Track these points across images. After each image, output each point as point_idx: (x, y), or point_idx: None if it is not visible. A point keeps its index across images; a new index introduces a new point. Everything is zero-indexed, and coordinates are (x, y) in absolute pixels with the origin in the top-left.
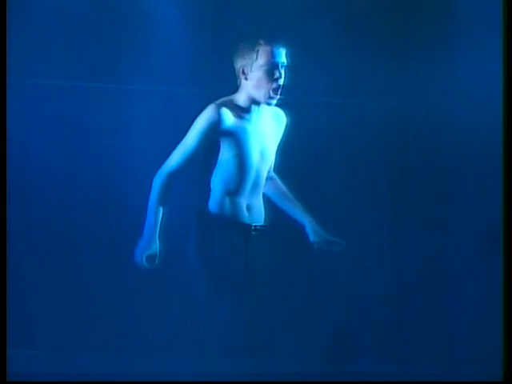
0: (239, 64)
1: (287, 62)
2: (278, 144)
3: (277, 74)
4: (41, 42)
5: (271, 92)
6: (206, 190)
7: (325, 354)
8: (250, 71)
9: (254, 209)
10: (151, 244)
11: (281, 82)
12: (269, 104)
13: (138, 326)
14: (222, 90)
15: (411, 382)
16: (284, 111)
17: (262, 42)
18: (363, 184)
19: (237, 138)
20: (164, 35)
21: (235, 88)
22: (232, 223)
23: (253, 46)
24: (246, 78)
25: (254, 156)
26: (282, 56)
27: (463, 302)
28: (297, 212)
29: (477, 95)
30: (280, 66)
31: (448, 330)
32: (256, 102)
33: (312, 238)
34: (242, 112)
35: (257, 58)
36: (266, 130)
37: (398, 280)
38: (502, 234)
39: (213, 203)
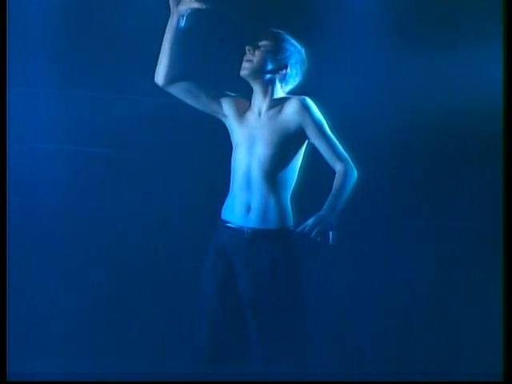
0: None
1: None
2: (280, 142)
3: (246, 53)
4: (42, 50)
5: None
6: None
7: (325, 355)
8: None
9: (254, 210)
10: None
11: (246, 57)
12: (242, 76)
13: (138, 326)
14: None
15: (411, 382)
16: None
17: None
18: (361, 183)
19: (234, 130)
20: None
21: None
22: (228, 224)
23: None
24: None
25: (245, 151)
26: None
27: (463, 302)
28: None
29: (476, 94)
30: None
31: (448, 329)
32: (257, 97)
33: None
34: (244, 105)
35: None
36: (266, 125)
37: (398, 280)
38: (502, 233)
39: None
